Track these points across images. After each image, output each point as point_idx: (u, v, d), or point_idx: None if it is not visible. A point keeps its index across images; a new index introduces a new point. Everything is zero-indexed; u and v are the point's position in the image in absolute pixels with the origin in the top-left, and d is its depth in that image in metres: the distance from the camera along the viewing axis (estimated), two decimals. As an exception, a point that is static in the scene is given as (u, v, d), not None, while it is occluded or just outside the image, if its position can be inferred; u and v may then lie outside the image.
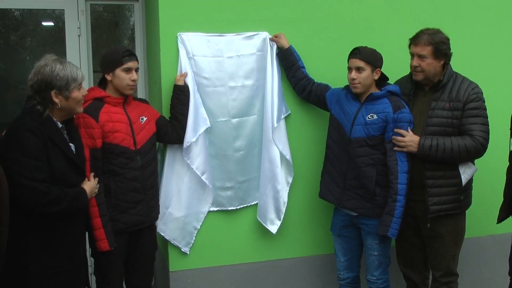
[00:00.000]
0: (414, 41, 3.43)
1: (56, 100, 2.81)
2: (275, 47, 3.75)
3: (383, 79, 3.53)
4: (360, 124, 3.44)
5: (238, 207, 3.84)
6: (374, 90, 3.48)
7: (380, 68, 3.46)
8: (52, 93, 2.79)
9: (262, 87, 3.75)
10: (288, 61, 3.75)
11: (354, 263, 3.74)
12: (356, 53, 3.45)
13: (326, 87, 3.75)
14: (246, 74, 3.71)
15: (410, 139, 3.34)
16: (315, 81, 3.79)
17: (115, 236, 3.21)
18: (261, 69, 3.74)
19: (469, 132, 3.35)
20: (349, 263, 3.73)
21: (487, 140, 3.38)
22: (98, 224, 3.14)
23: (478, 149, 3.35)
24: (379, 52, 3.49)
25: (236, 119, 3.72)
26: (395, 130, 3.36)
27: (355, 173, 3.48)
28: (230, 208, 3.81)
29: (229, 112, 3.70)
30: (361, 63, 3.42)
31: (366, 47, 3.48)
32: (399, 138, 3.35)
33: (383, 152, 3.42)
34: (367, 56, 3.42)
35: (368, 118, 3.43)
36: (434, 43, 3.36)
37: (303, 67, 3.78)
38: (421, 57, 3.39)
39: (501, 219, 3.40)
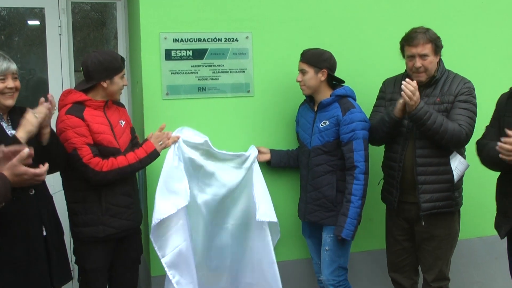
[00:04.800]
0: (412, 42, 3.35)
1: None
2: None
3: (338, 82, 3.52)
4: (316, 133, 3.48)
5: None
6: (326, 92, 3.48)
7: (330, 69, 3.44)
8: None
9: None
10: (282, 163, 3.78)
11: None
12: (301, 55, 3.49)
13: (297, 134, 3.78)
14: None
15: (417, 94, 3.17)
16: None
17: (101, 244, 3.17)
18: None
19: (455, 121, 3.27)
20: None
21: (471, 132, 3.31)
22: None
23: (463, 137, 3.27)
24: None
25: None
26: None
27: (314, 184, 3.50)
28: None
29: None
30: (303, 66, 3.46)
31: (311, 49, 3.51)
32: (408, 86, 3.13)
33: (340, 157, 3.43)
34: (308, 57, 3.45)
35: (321, 125, 3.45)
36: (433, 40, 3.34)
37: (287, 152, 3.82)
38: (423, 56, 3.33)
39: (505, 233, 3.13)
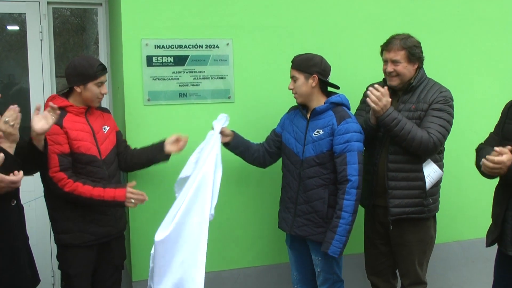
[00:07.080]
0: (386, 47, 3.41)
1: None
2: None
3: (332, 87, 3.40)
4: (309, 143, 3.31)
5: None
6: (319, 99, 3.35)
7: (321, 74, 3.29)
8: None
9: None
10: (238, 151, 3.56)
11: (307, 277, 3.60)
12: (292, 62, 3.38)
13: (273, 131, 3.62)
14: None
15: (386, 99, 3.22)
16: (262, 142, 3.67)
17: (84, 249, 3.17)
18: None
19: (425, 129, 3.28)
20: (302, 277, 3.60)
21: (441, 141, 3.30)
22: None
23: (430, 146, 3.25)
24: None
25: None
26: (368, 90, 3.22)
27: (305, 197, 3.34)
28: None
29: None
30: (294, 72, 3.33)
31: (301, 54, 3.37)
32: (373, 92, 3.20)
33: (333, 170, 3.26)
34: (298, 64, 3.32)
35: (314, 134, 3.29)
36: (407, 47, 3.35)
37: (247, 142, 3.61)
38: (395, 62, 3.37)
39: (491, 242, 3.05)
